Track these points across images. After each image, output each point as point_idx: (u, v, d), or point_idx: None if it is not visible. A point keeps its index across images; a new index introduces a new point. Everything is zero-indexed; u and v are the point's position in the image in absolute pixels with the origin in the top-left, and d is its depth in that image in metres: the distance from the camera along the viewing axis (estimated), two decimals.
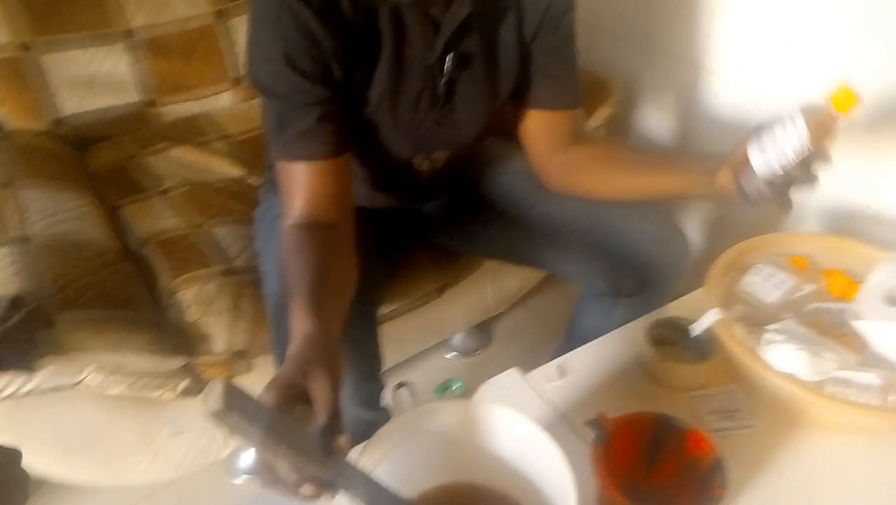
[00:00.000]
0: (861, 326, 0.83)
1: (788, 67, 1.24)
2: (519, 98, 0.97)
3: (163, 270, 1.10)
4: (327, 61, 0.79)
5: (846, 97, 0.72)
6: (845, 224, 1.24)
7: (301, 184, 0.81)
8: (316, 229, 0.80)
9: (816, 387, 0.80)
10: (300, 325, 0.66)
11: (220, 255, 1.13)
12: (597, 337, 0.99)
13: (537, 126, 0.98)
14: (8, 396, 0.83)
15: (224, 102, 1.52)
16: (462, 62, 0.88)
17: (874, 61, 1.12)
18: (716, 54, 1.34)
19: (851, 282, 0.96)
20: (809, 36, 1.19)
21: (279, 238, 0.83)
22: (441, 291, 1.25)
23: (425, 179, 1.03)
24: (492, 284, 1.43)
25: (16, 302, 0.89)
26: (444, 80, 0.88)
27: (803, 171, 0.75)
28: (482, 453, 0.71)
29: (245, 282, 1.08)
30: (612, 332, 0.99)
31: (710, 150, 1.39)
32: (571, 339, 1.15)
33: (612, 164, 0.97)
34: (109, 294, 0.99)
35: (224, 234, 1.18)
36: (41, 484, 1.13)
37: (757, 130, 0.78)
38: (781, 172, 0.75)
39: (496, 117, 0.98)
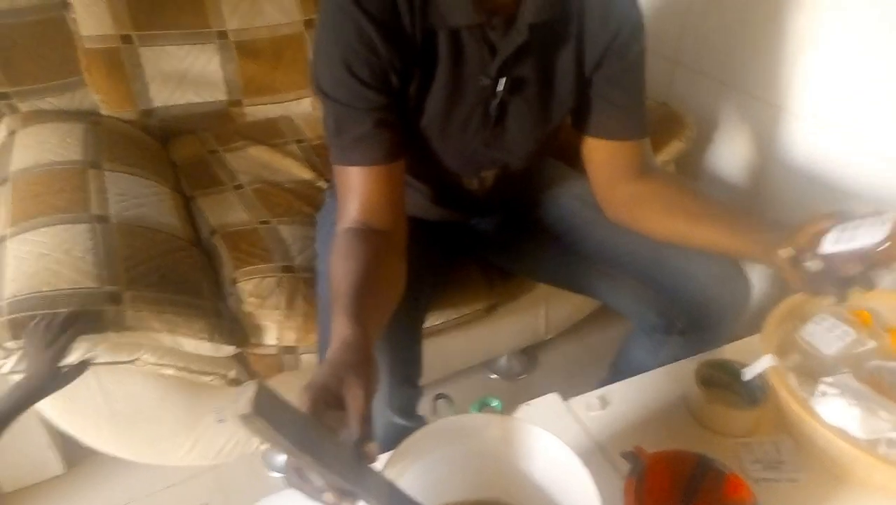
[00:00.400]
0: None
1: (872, 115, 1.20)
2: (581, 125, 0.97)
3: (227, 261, 1.14)
4: (385, 71, 0.81)
5: None
6: None
7: (355, 188, 0.84)
8: (367, 234, 0.82)
9: (869, 446, 0.76)
10: (341, 329, 0.67)
11: (281, 251, 1.17)
12: (644, 372, 0.97)
13: (599, 155, 0.97)
14: (66, 368, 0.87)
15: (304, 108, 1.58)
16: (515, 86, 0.89)
17: None
18: (796, 96, 1.31)
19: None
20: (890, 82, 1.15)
21: (333, 243, 0.85)
22: (491, 309, 1.25)
23: (476, 197, 1.04)
24: (544, 309, 1.42)
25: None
26: (496, 102, 0.89)
27: (864, 271, 0.68)
28: (513, 471, 0.71)
29: (302, 280, 1.12)
30: (660, 368, 0.97)
31: (781, 203, 1.37)
32: (617, 372, 1.13)
33: (673, 207, 0.93)
34: (175, 278, 1.03)
35: (288, 232, 1.22)
36: (87, 454, 1.18)
37: (836, 217, 0.72)
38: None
39: (553, 141, 0.98)
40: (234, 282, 1.10)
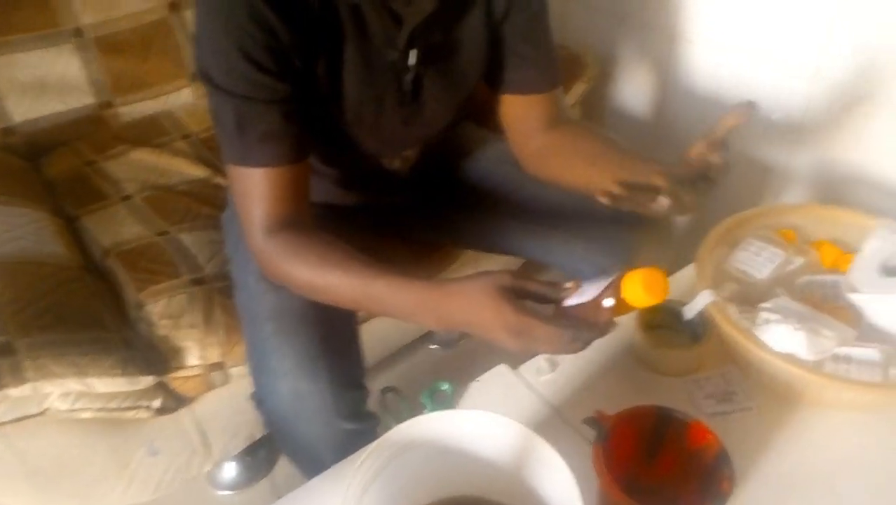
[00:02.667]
0: (858, 298, 0.81)
1: (762, 30, 1.21)
2: (493, 82, 0.92)
3: (128, 283, 1.04)
4: (287, 54, 0.73)
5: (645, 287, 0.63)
6: (831, 192, 1.22)
7: (262, 191, 0.76)
8: (303, 232, 0.76)
9: (816, 366, 0.77)
10: (420, 284, 0.69)
11: (188, 263, 1.08)
12: None
13: (514, 110, 0.94)
14: None
15: (185, 99, 1.46)
16: (427, 57, 0.83)
17: (853, 17, 1.09)
18: (689, 20, 1.30)
19: (843, 252, 0.94)
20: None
21: (265, 257, 0.78)
22: None
23: (398, 177, 0.98)
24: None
25: None
26: (409, 76, 0.83)
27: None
28: (477, 463, 0.68)
29: (216, 290, 1.03)
30: None
31: (685, 128, 1.37)
32: None
33: (575, 155, 0.91)
34: (71, 314, 0.93)
35: (191, 240, 1.12)
36: None
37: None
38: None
39: (469, 103, 0.93)
40: (141, 305, 1.01)
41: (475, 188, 1.06)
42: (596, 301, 0.65)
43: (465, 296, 0.67)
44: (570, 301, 0.68)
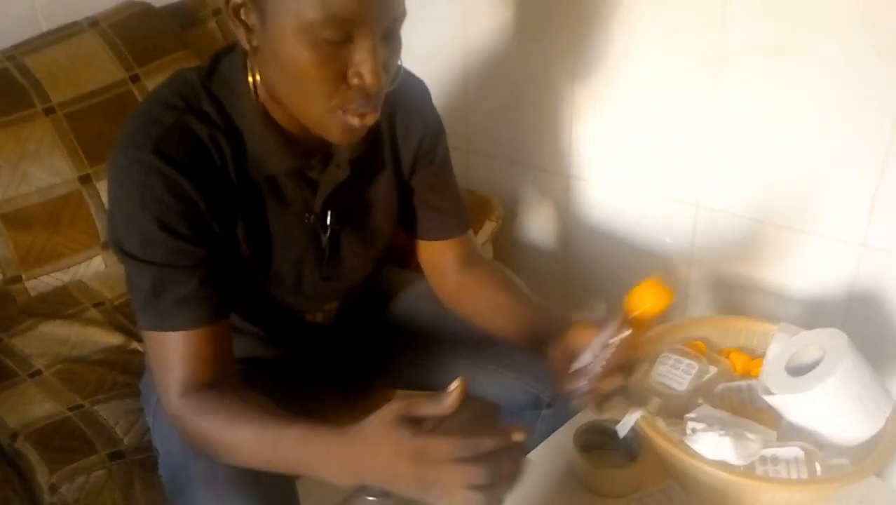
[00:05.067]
0: (773, 400, 0.85)
1: (647, 166, 1.34)
2: (408, 229, 0.99)
3: (39, 465, 0.97)
4: (205, 220, 0.76)
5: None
6: (730, 302, 1.31)
7: (179, 355, 0.75)
8: (219, 391, 0.75)
9: (748, 470, 0.80)
10: (326, 433, 0.68)
11: (105, 436, 1.02)
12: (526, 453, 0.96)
13: (429, 254, 1.00)
14: None
15: (95, 267, 1.42)
16: (343, 217, 0.88)
17: (728, 145, 1.23)
18: (583, 163, 1.43)
19: (751, 358, 1.00)
20: (662, 133, 1.30)
21: (178, 419, 0.76)
22: None
23: (321, 329, 1.00)
24: None
25: None
26: (326, 236, 0.87)
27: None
28: None
29: (136, 463, 0.98)
30: (540, 446, 0.97)
31: (589, 261, 1.46)
32: None
33: (483, 299, 0.96)
34: None
35: (108, 411, 1.07)
36: None
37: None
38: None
39: (387, 252, 0.98)
40: (54, 489, 0.93)
41: (402, 329, 1.08)
42: (610, 344, 0.69)
43: (362, 437, 0.66)
44: (581, 361, 0.72)
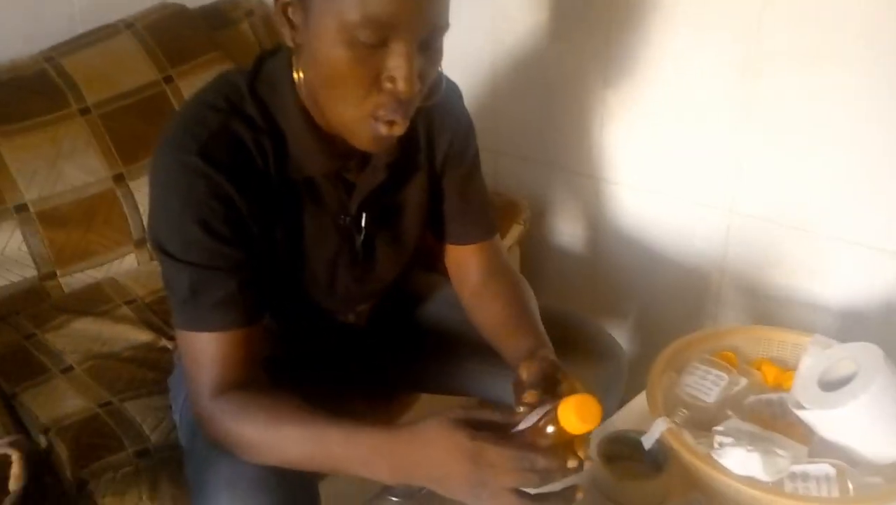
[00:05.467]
0: (805, 415, 0.83)
1: (677, 174, 1.32)
2: (436, 233, 0.98)
3: (67, 462, 0.99)
4: (245, 223, 0.76)
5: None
6: (763, 312, 1.28)
7: (213, 355, 0.76)
8: (251, 390, 0.76)
9: (776, 486, 0.78)
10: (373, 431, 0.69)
11: (133, 433, 1.03)
12: None
13: (455, 259, 0.99)
14: None
15: (128, 265, 1.45)
16: (377, 219, 0.88)
17: (761, 154, 1.20)
18: (614, 167, 1.41)
19: (783, 370, 0.98)
20: (696, 138, 1.27)
21: (211, 419, 0.76)
22: None
23: (354, 330, 1.00)
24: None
25: None
26: (361, 238, 0.87)
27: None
28: None
29: (164, 460, 0.99)
30: None
31: (618, 265, 1.44)
32: None
33: (490, 314, 0.95)
34: None
35: (136, 408, 1.08)
36: None
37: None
38: None
39: (415, 255, 0.98)
40: (82, 485, 0.95)
41: (429, 333, 1.08)
42: (538, 427, 0.65)
43: (417, 436, 0.67)
44: (518, 427, 0.68)
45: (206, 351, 0.76)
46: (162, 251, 0.76)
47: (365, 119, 0.73)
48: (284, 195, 0.81)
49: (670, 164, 1.32)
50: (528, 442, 0.66)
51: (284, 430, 0.73)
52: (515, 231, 1.46)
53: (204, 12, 1.56)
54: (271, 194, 0.79)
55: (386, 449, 0.69)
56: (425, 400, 1.29)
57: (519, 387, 0.75)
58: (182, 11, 1.52)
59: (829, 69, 1.08)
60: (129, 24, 1.45)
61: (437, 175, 0.93)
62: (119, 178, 1.41)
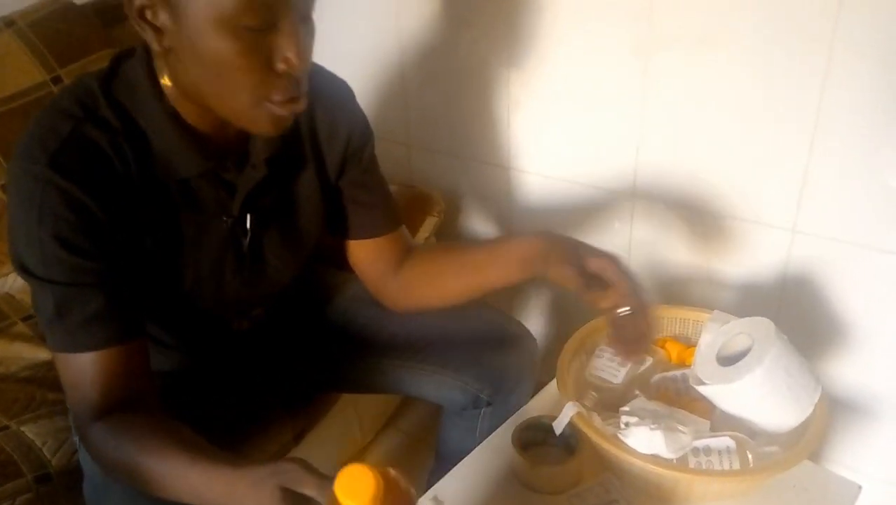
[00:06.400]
0: (704, 390, 0.86)
1: (581, 161, 1.34)
2: (340, 232, 0.97)
3: None
4: (107, 234, 0.72)
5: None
6: (667, 291, 1.32)
7: (91, 376, 0.72)
8: (130, 415, 0.72)
9: (680, 463, 0.81)
10: (229, 473, 0.63)
11: (31, 459, 0.98)
12: (467, 451, 0.96)
13: (366, 255, 0.98)
14: None
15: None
16: (263, 219, 0.86)
17: (656, 135, 1.23)
18: (523, 156, 1.42)
19: (685, 347, 1.01)
20: (597, 123, 1.30)
21: (91, 445, 0.73)
22: (299, 437, 1.16)
23: (249, 337, 0.98)
24: (354, 415, 1.36)
25: None
26: (247, 240, 0.85)
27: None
28: None
29: (66, 485, 0.95)
30: (480, 445, 0.97)
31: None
32: (443, 458, 1.11)
33: (438, 273, 0.97)
34: None
35: (35, 432, 1.03)
36: None
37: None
38: None
39: (315, 254, 0.96)
40: None
41: (339, 332, 1.07)
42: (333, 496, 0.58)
43: (243, 479, 0.63)
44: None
45: (82, 373, 0.72)
46: (23, 270, 0.72)
47: (261, 104, 0.71)
48: (153, 200, 0.77)
49: (576, 151, 1.34)
50: None
51: (152, 461, 0.69)
52: (430, 223, 1.46)
53: (95, 8, 1.48)
54: (136, 199, 0.75)
55: (239, 493, 0.63)
56: (345, 399, 1.28)
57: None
58: (70, 7, 1.44)
59: (719, 51, 1.11)
60: (9, 23, 1.37)
61: (334, 175, 0.91)
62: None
